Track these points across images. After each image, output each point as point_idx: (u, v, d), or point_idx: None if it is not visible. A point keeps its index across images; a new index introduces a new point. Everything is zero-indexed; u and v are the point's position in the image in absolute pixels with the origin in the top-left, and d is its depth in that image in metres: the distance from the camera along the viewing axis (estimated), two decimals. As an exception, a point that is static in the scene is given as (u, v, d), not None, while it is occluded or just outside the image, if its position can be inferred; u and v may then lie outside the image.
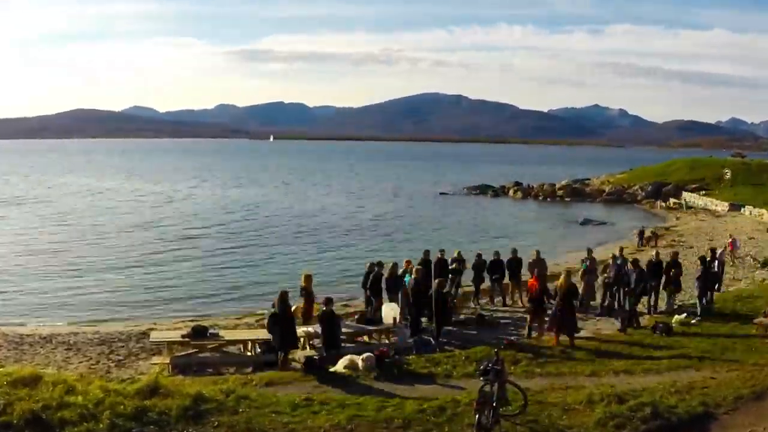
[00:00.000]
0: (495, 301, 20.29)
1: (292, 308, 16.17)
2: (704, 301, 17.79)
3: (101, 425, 8.63)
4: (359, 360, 12.34)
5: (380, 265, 17.75)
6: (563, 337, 14.72)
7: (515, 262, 19.94)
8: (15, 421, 8.45)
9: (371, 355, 12.45)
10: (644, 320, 17.30)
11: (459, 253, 20.58)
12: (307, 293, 15.91)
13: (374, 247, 33.37)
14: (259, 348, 14.31)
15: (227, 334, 14.96)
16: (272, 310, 13.23)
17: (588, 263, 19.87)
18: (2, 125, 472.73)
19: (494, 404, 9.15)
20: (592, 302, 19.15)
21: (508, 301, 20.23)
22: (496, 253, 20.44)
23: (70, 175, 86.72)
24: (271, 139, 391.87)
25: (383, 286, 17.35)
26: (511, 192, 66.51)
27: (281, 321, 12.90)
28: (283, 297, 13.12)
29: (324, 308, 13.67)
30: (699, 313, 17.40)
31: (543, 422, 9.72)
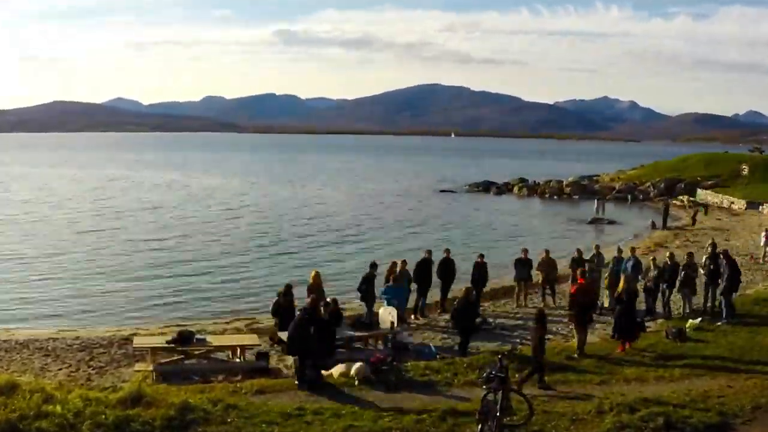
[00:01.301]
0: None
1: None
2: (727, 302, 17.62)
3: (81, 437, 8.62)
4: (355, 367, 12.33)
5: (374, 266, 17.81)
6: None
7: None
8: (-10, 432, 8.44)
9: (367, 362, 12.44)
10: (656, 325, 17.32)
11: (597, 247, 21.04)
12: (315, 292, 15.93)
13: (371, 247, 33.34)
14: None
15: (215, 340, 14.94)
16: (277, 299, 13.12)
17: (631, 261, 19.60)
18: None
19: (498, 414, 9.15)
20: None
21: (513, 305, 20.25)
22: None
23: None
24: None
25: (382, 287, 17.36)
26: (515, 189, 66.45)
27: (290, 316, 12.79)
28: (288, 290, 12.95)
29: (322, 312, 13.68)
30: (724, 315, 17.37)
31: (549, 433, 9.73)
